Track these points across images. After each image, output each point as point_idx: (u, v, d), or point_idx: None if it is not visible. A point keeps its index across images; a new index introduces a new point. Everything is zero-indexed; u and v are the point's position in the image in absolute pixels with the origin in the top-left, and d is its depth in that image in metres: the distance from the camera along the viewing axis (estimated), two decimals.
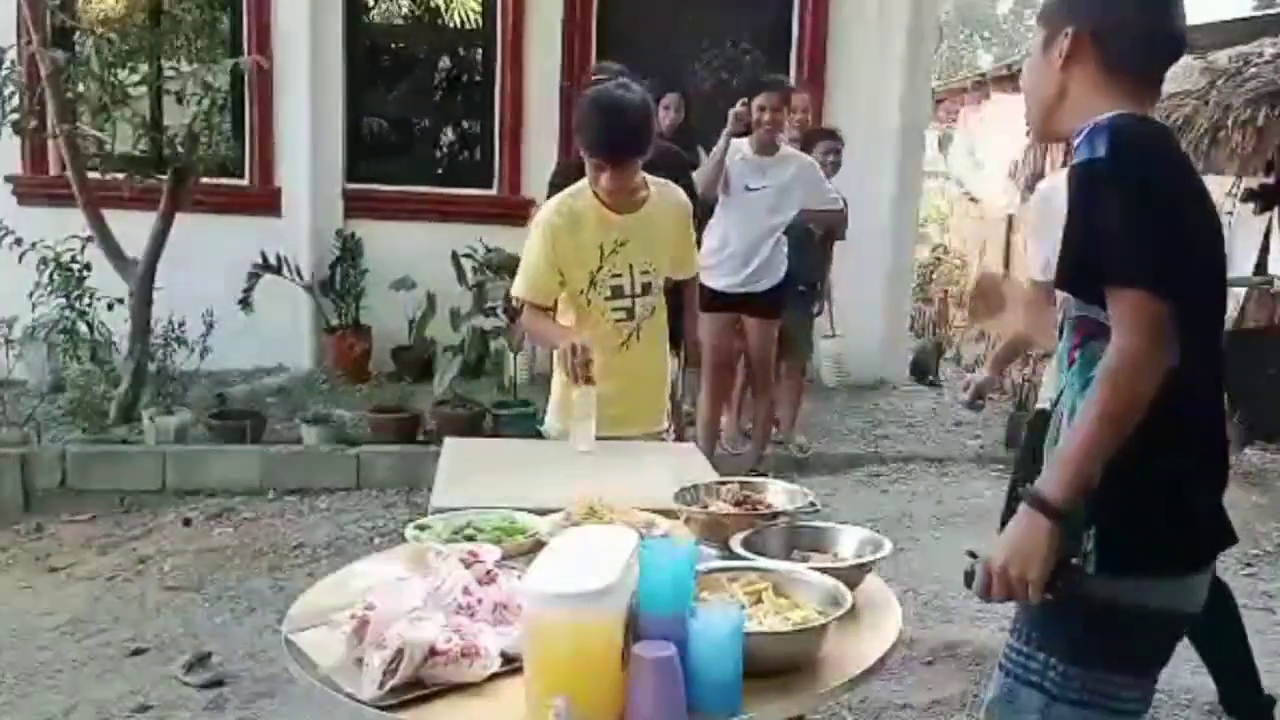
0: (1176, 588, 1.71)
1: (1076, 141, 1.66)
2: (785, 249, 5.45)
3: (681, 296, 3.87)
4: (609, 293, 3.08)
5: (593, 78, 4.25)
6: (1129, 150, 1.60)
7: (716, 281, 5.16)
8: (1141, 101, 1.72)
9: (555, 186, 4.43)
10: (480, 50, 7.60)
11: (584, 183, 3.07)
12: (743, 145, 5.29)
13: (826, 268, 6.34)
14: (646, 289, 3.12)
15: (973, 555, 1.71)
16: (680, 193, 3.35)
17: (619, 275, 3.07)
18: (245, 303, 6.56)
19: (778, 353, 5.71)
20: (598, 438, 2.96)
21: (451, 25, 7.66)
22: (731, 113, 5.27)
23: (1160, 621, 1.72)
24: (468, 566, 1.86)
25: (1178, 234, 1.59)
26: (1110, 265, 1.58)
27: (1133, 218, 1.57)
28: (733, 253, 5.29)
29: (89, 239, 5.84)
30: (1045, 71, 1.77)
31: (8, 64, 5.51)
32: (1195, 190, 1.71)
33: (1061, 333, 1.78)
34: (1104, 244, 1.58)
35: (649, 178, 3.15)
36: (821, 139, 6.09)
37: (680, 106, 5.82)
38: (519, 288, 3.15)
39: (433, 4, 7.57)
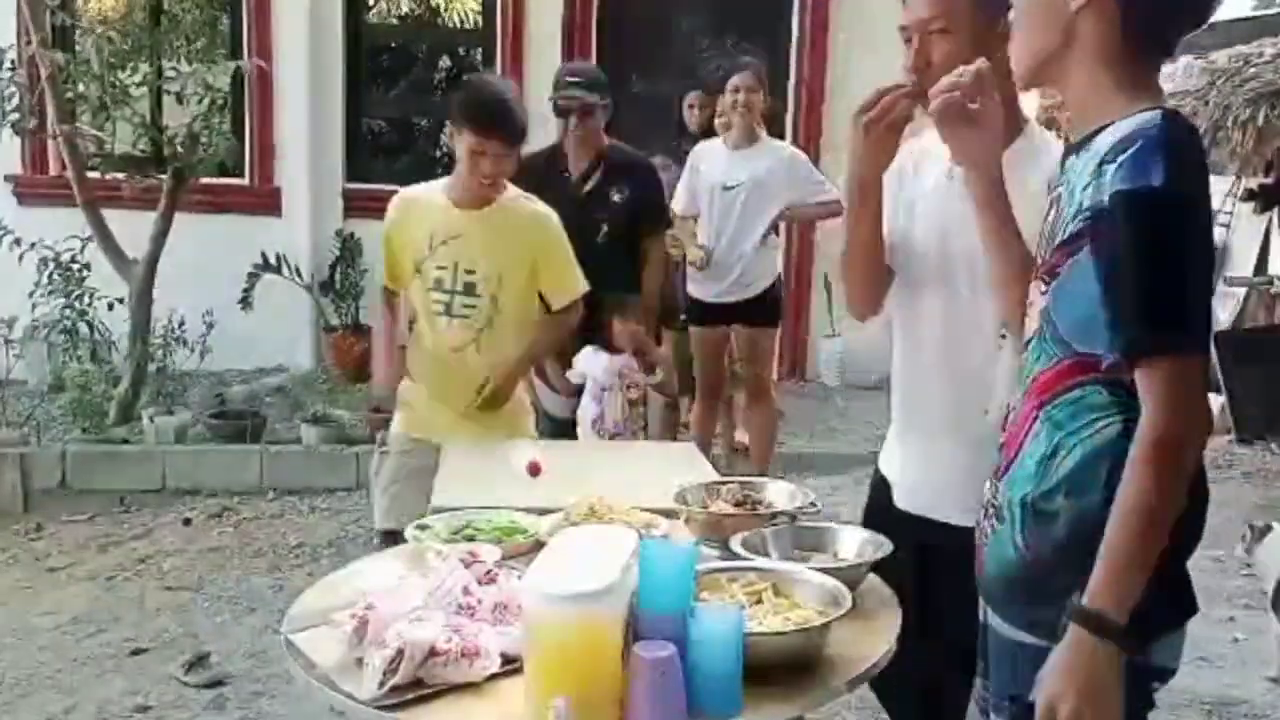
0: (1174, 642, 1.55)
1: (1116, 155, 1.40)
2: (776, 250, 5.16)
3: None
4: (431, 283, 3.06)
5: (566, 80, 4.07)
6: (1190, 175, 1.38)
7: (704, 291, 4.93)
8: (1153, 70, 1.52)
9: (522, 174, 4.40)
10: (480, 50, 7.60)
11: (444, 179, 3.11)
12: (715, 144, 4.99)
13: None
14: (469, 290, 3.03)
15: (1012, 699, 1.52)
16: (543, 210, 3.13)
17: (442, 268, 3.04)
18: (245, 303, 6.56)
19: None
20: (416, 439, 3.08)
21: (451, 25, 7.68)
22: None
23: (1156, 678, 1.55)
24: (468, 566, 1.86)
25: (1213, 270, 1.44)
26: (1169, 326, 1.36)
27: (1195, 264, 1.38)
28: (716, 260, 4.89)
29: (89, 239, 5.84)
30: (1051, 11, 1.50)
31: (8, 64, 5.51)
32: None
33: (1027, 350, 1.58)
34: (1168, 298, 1.37)
35: (520, 192, 3.10)
36: None
37: (707, 104, 5.73)
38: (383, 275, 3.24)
39: (433, 4, 7.58)
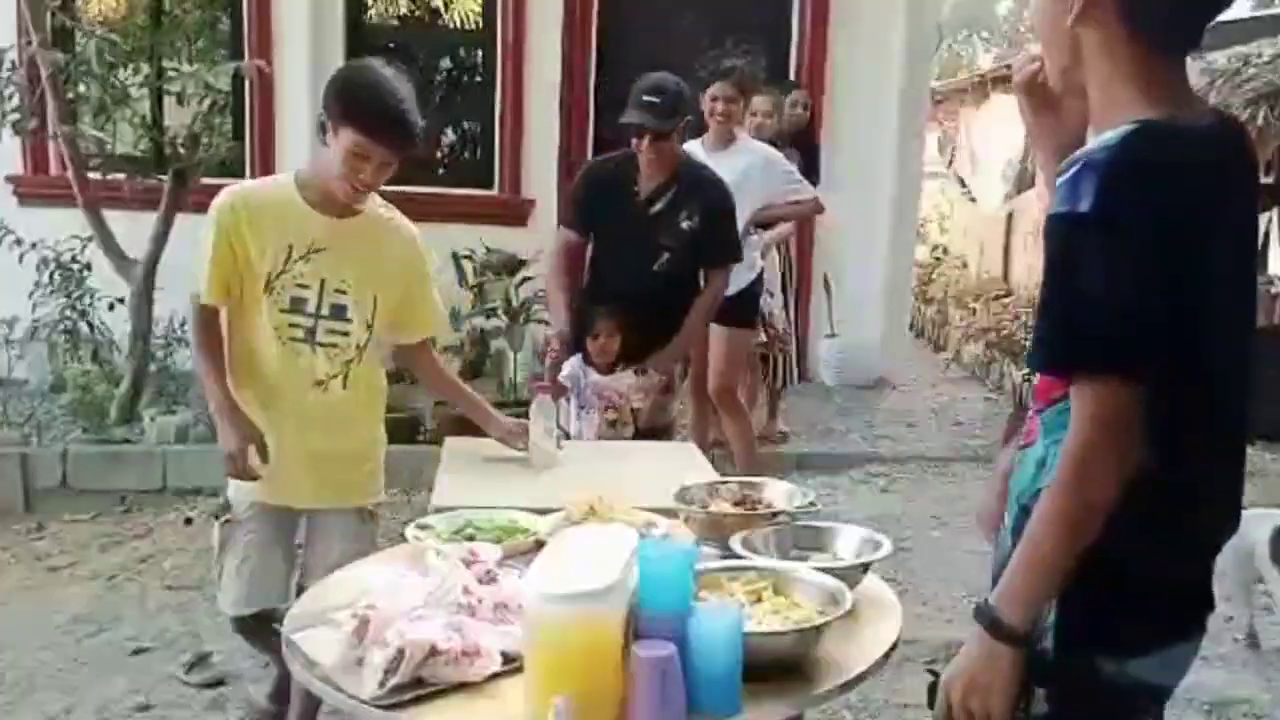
0: (1158, 660, 1.52)
1: (1060, 177, 1.37)
2: (754, 251, 4.97)
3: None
4: (287, 303, 2.55)
5: (643, 99, 3.59)
6: (1120, 202, 1.32)
7: None
8: (1171, 72, 1.43)
9: (588, 181, 3.89)
10: (480, 51, 7.60)
11: (286, 176, 2.65)
12: (696, 146, 4.79)
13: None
14: (337, 313, 2.58)
15: (933, 673, 1.55)
16: (412, 226, 2.74)
17: (304, 286, 2.55)
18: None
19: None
20: (273, 505, 2.67)
21: (451, 25, 7.67)
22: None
23: (1141, 696, 1.54)
24: (468, 566, 1.86)
25: (1173, 294, 1.34)
26: (1082, 345, 1.36)
27: (1113, 287, 1.32)
28: None
29: (89, 239, 5.85)
30: (1057, 27, 1.45)
31: (8, 65, 5.51)
32: (1212, 211, 1.40)
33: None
34: (1080, 319, 1.36)
35: (380, 200, 2.70)
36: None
37: (804, 103, 6.02)
38: (198, 286, 2.57)
39: (433, 4, 7.58)
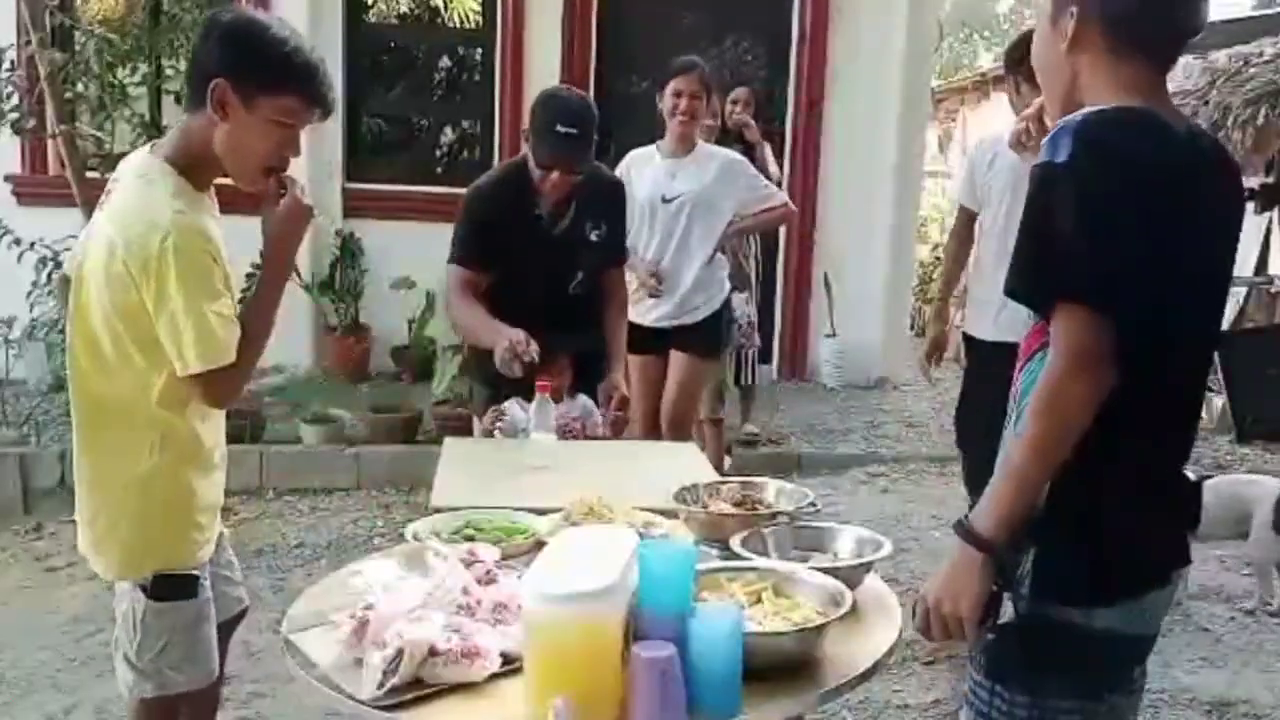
0: (1123, 611, 1.57)
1: (1045, 139, 1.54)
2: (723, 270, 4.53)
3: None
4: None
5: (558, 130, 3.11)
6: (1091, 153, 1.47)
7: (644, 315, 4.21)
8: (1153, 84, 1.59)
9: (482, 209, 3.32)
10: (480, 50, 7.61)
11: (171, 183, 2.22)
12: (653, 150, 4.37)
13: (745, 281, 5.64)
14: None
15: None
16: None
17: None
18: (244, 303, 6.55)
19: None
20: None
21: (451, 25, 7.68)
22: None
23: (1107, 645, 1.58)
24: (468, 566, 1.86)
25: (1138, 243, 1.46)
26: (1053, 277, 1.49)
27: (1081, 226, 1.45)
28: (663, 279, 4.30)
29: None
30: (1054, 55, 1.62)
31: (7, 64, 5.51)
32: (1179, 189, 1.51)
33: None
34: (1052, 254, 1.49)
35: None
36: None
37: (746, 100, 5.88)
38: (215, 352, 2.16)
39: (433, 4, 7.58)
